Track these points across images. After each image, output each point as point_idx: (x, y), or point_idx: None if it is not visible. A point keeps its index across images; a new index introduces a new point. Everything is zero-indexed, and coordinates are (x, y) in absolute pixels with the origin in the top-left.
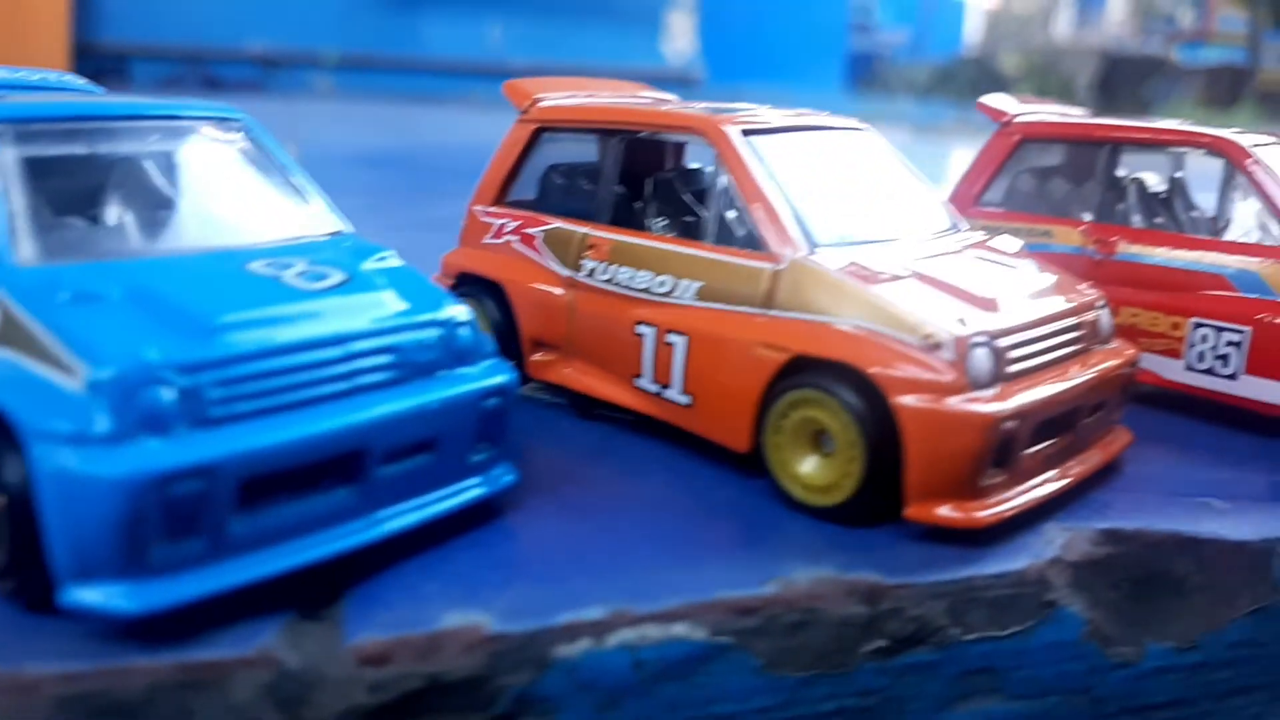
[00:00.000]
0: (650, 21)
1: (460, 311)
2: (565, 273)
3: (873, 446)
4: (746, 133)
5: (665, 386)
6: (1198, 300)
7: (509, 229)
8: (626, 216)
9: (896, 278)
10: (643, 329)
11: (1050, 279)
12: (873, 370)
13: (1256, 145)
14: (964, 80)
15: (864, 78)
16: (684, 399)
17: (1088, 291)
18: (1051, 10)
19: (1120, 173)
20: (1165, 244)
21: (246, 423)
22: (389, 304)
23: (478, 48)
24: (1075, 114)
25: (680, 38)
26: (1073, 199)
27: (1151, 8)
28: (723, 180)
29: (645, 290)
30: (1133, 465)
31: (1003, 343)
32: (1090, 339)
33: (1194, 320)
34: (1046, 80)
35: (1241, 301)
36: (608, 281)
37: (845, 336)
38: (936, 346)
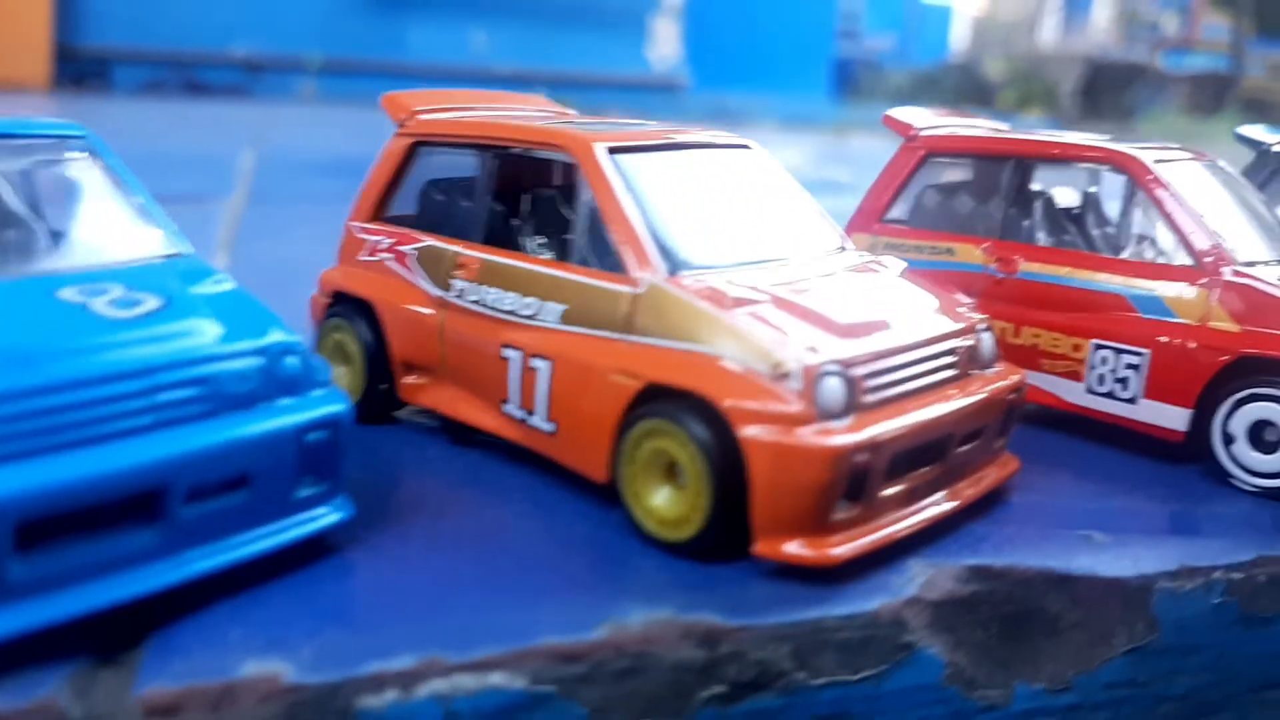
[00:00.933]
0: (635, 28)
1: (287, 338)
2: (436, 292)
3: (720, 479)
4: (614, 150)
5: (530, 413)
6: (1098, 321)
7: (383, 246)
8: (501, 235)
9: (755, 303)
10: (509, 352)
11: (927, 301)
12: (718, 399)
13: (1161, 160)
14: (948, 86)
15: (850, 84)
16: (548, 426)
17: (968, 314)
18: (1037, 17)
19: (1036, 188)
20: (1066, 263)
21: (25, 461)
22: (204, 332)
23: (462, 53)
24: (986, 127)
25: (665, 44)
26: (977, 216)
27: (1136, 15)
28: (588, 200)
29: (512, 312)
30: (1019, 495)
31: (858, 371)
32: (967, 364)
33: (1094, 342)
34: (1031, 87)
35: (1141, 323)
36: (476, 302)
37: (696, 364)
38: (784, 376)
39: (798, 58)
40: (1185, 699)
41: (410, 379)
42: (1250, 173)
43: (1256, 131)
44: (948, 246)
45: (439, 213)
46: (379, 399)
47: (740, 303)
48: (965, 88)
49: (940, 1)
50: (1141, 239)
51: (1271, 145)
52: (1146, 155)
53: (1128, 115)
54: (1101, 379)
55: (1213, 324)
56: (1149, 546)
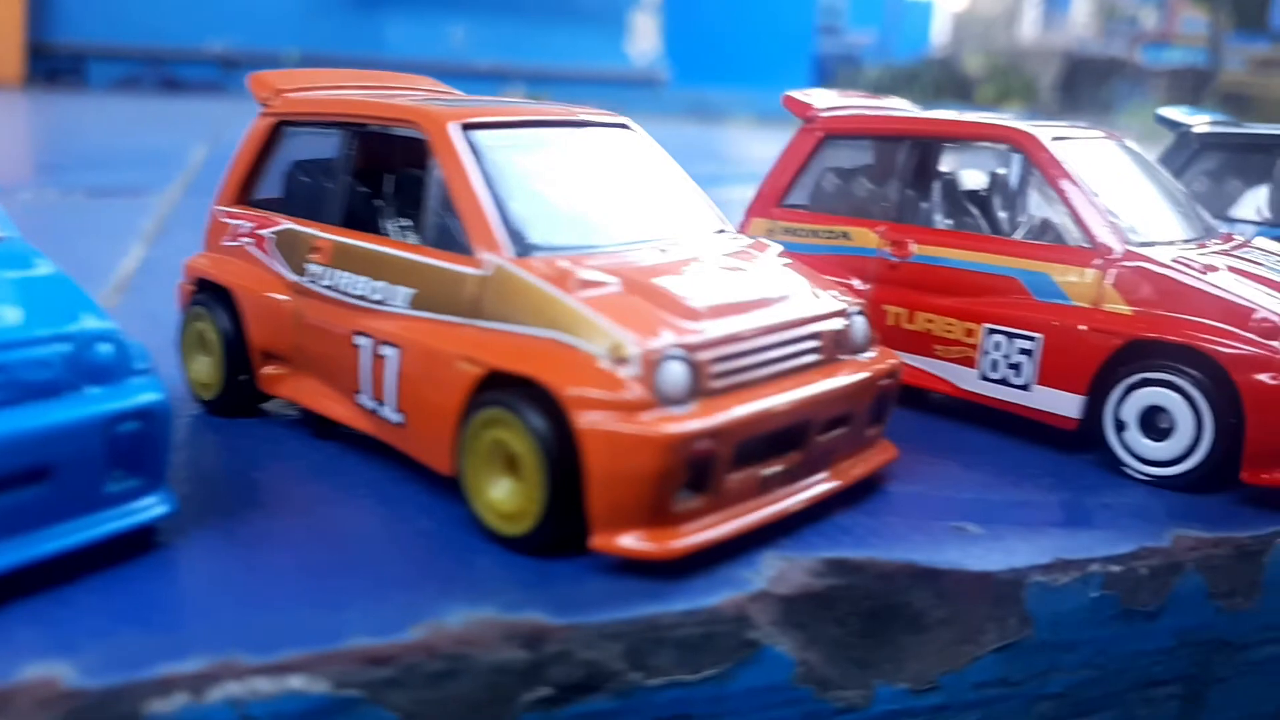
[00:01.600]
0: (614, 23)
1: (100, 325)
2: (292, 278)
3: (555, 470)
4: (469, 127)
5: (381, 404)
6: (991, 305)
7: (244, 231)
8: (361, 217)
9: (604, 285)
10: (360, 340)
11: (795, 285)
12: (555, 386)
13: (1059, 139)
14: (928, 81)
15: (832, 79)
16: (397, 417)
17: (838, 299)
18: (1016, 12)
19: (943, 169)
20: (959, 245)
21: None
22: (2, 318)
23: (440, 49)
24: (889, 108)
25: (644, 39)
26: (874, 199)
27: (1114, 10)
28: (438, 178)
29: (362, 297)
30: (896, 484)
31: (705, 355)
32: (833, 348)
33: (987, 326)
34: (1010, 81)
35: (1034, 306)
36: (329, 288)
37: (537, 350)
38: (623, 361)
39: (778, 52)
40: (1063, 697)
41: (269, 369)
42: (1170, 155)
43: (1177, 113)
44: (844, 230)
45: (300, 195)
46: (240, 390)
47: (587, 285)
48: (945, 83)
49: None
50: (1037, 219)
51: (1192, 126)
52: (1043, 133)
53: (1106, 109)
54: (994, 365)
55: (1106, 307)
56: (1025, 539)
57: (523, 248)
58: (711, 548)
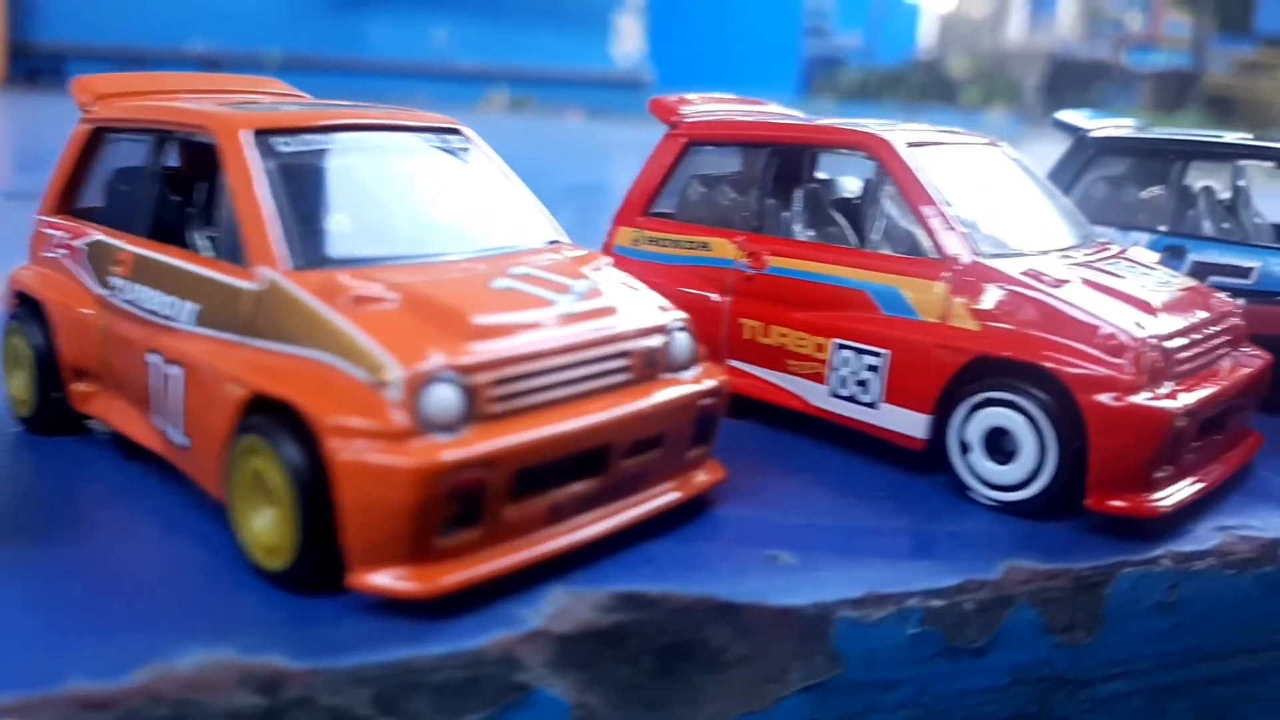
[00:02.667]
0: (599, 24)
1: None
2: (99, 291)
3: (308, 502)
4: (263, 133)
5: (169, 425)
6: (839, 319)
7: (60, 241)
8: (167, 228)
9: (381, 302)
10: (151, 358)
11: (609, 301)
12: (310, 411)
13: (916, 144)
14: (913, 84)
15: (819, 81)
16: (182, 440)
17: (658, 316)
18: (1002, 15)
19: (820, 175)
20: (812, 257)
21: None
22: None
23: (424, 50)
24: (755, 111)
25: (629, 41)
26: (736, 208)
27: (1099, 13)
28: (226, 187)
29: (154, 313)
30: (722, 508)
31: (482, 378)
32: (646, 367)
33: (836, 341)
34: (994, 84)
35: (882, 321)
36: (129, 302)
37: (300, 371)
38: (384, 384)
39: (765, 55)
40: None
41: (79, 386)
42: (1067, 160)
43: (1075, 117)
44: (704, 241)
45: (112, 204)
46: (53, 407)
47: (361, 302)
48: (930, 85)
49: None
50: (894, 230)
51: (1089, 131)
52: (897, 138)
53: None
54: (843, 381)
55: (953, 322)
56: (841, 569)
57: (307, 261)
58: (491, 583)
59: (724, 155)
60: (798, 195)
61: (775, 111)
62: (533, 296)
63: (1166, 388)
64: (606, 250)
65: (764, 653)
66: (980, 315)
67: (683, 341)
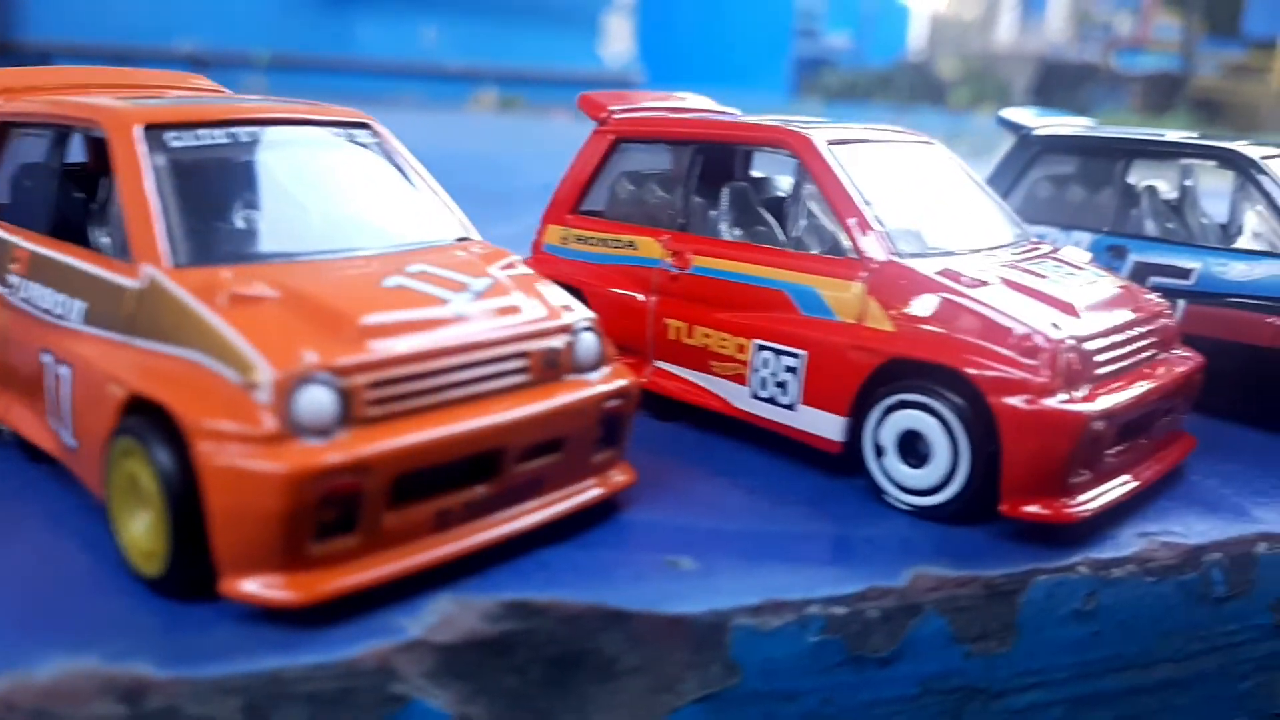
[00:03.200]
0: (587, 24)
1: None
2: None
3: (178, 506)
4: (154, 127)
5: (62, 426)
6: (760, 320)
7: None
8: (68, 225)
9: (261, 300)
10: (44, 358)
11: (510, 300)
12: (181, 414)
13: (837, 141)
14: (902, 85)
15: (808, 82)
16: (72, 442)
17: (562, 315)
18: (992, 16)
19: (757, 174)
20: (734, 257)
21: None
22: None
23: (412, 49)
24: (684, 109)
25: (618, 41)
26: (663, 207)
27: (1088, 15)
28: (117, 183)
29: (48, 311)
30: (635, 511)
31: (362, 379)
32: (546, 369)
33: (756, 342)
34: (983, 85)
35: (800, 322)
36: (25, 300)
37: (175, 372)
38: (254, 386)
39: (756, 55)
40: None
41: None
42: (1010, 159)
43: (1021, 114)
44: (630, 240)
45: (17, 201)
46: None
47: (240, 301)
48: (919, 86)
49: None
50: (817, 230)
51: (1033, 129)
52: (818, 135)
53: (1081, 114)
54: (764, 383)
55: (869, 323)
56: (742, 575)
57: (191, 258)
58: (372, 591)
59: (655, 153)
60: (724, 194)
61: (705, 108)
62: (425, 295)
63: (1083, 390)
64: (535, 249)
65: (657, 662)
66: (896, 316)
67: (589, 342)
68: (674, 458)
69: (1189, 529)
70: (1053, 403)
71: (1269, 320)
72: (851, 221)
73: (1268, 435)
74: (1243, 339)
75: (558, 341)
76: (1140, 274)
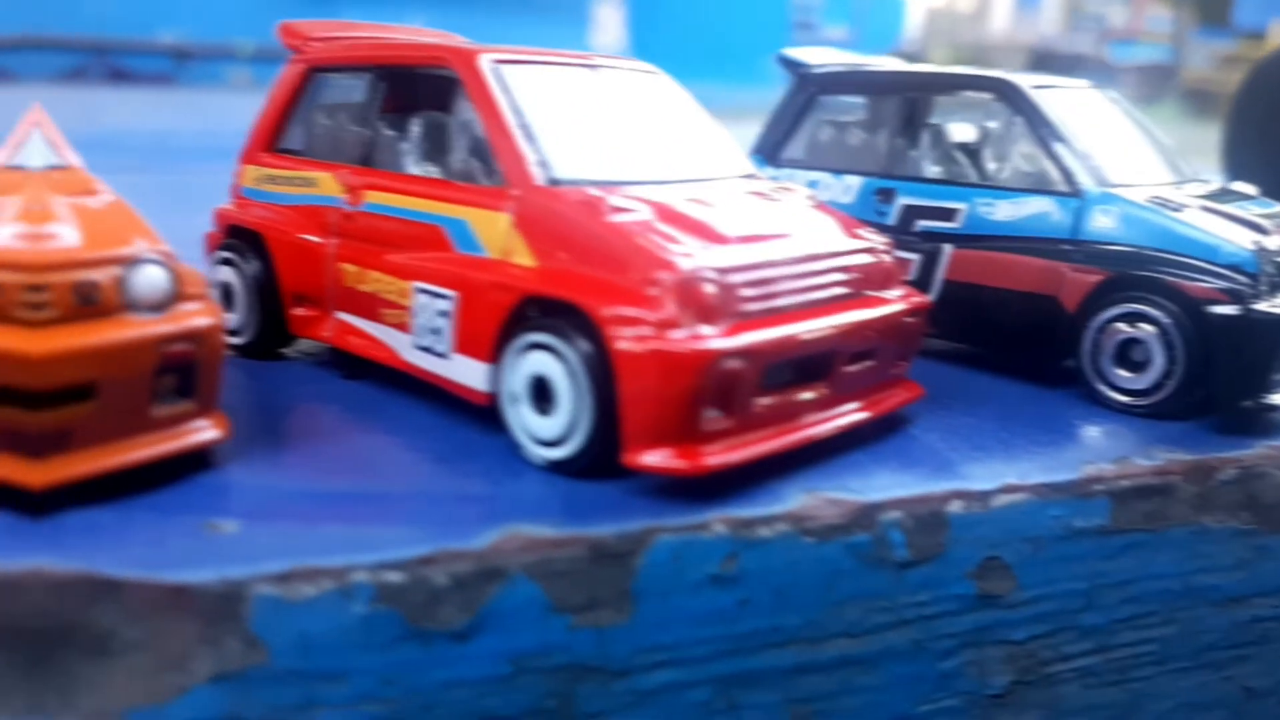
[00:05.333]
0: (577, 13)
1: None
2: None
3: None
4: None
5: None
6: (419, 261)
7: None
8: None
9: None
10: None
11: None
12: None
13: (504, 61)
14: None
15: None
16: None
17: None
18: (986, 8)
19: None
20: (397, 190)
21: None
22: None
23: None
24: (375, 35)
25: (609, 32)
26: (348, 140)
27: (1081, 6)
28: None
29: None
30: (214, 472)
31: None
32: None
33: (415, 285)
34: None
35: (453, 259)
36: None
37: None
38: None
39: (751, 47)
40: None
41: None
42: (789, 100)
43: (804, 53)
44: (311, 176)
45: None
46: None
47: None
48: None
49: None
50: (473, 157)
51: (813, 67)
52: (482, 54)
53: None
54: (421, 330)
55: (514, 258)
56: (286, 539)
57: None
58: None
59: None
60: (411, 124)
61: (404, 31)
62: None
63: (721, 327)
64: (234, 192)
65: (159, 637)
66: (538, 250)
67: (150, 276)
68: (318, 417)
69: (869, 485)
70: (673, 339)
71: (1025, 261)
72: (501, 145)
73: (1027, 386)
74: (1002, 284)
75: (101, 275)
76: (908, 218)
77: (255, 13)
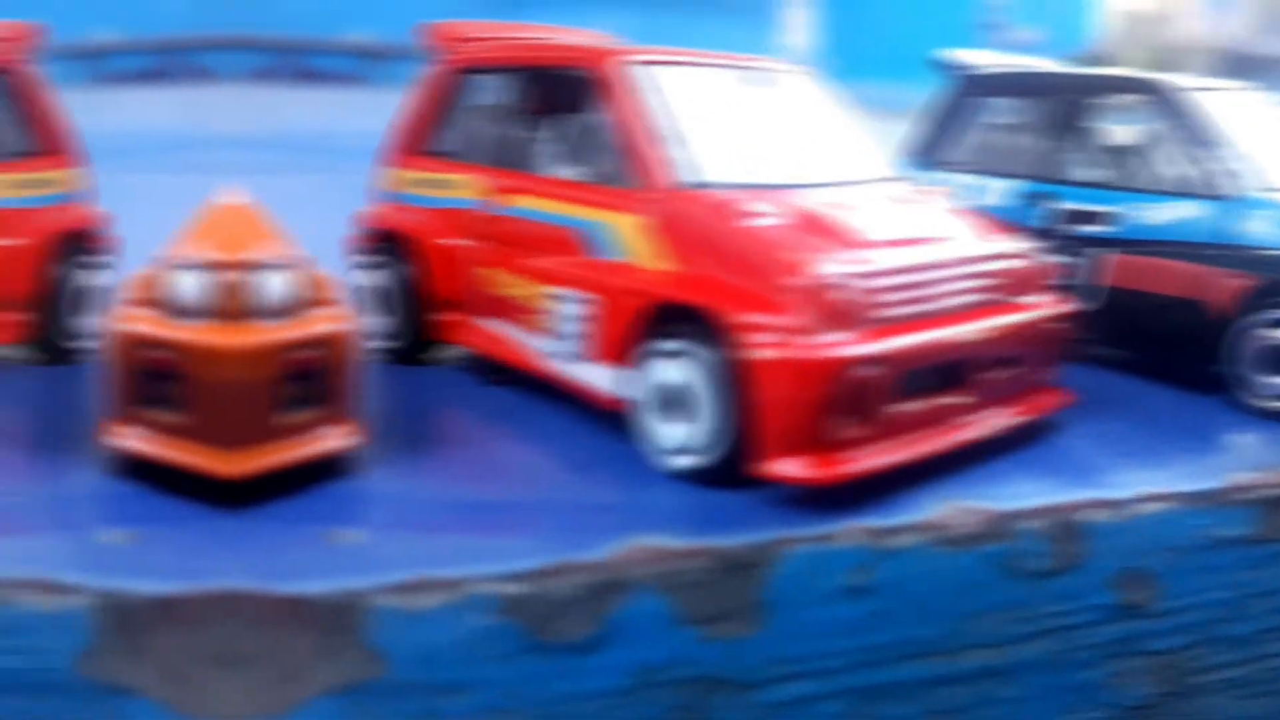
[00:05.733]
0: (764, 14)
1: None
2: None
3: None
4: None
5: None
6: (558, 264)
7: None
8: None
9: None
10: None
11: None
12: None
13: (637, 61)
14: None
15: None
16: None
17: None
18: (1182, 8)
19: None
20: (538, 193)
21: None
22: None
23: None
24: (541, 36)
25: (796, 33)
26: (494, 142)
27: (1275, 6)
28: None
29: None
30: (347, 481)
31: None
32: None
33: (551, 289)
34: None
35: (589, 264)
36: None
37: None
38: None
39: (943, 47)
40: None
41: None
42: (945, 101)
43: (960, 54)
44: (455, 179)
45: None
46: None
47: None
48: None
49: None
50: (614, 160)
51: (968, 69)
52: (623, 55)
53: None
54: (556, 334)
55: (648, 262)
56: (407, 550)
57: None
58: None
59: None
60: (552, 126)
61: (553, 31)
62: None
63: (856, 333)
64: (375, 197)
65: (277, 648)
66: (674, 255)
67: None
68: (454, 423)
69: (1009, 493)
70: (803, 345)
71: (1179, 266)
72: (638, 145)
73: (1184, 393)
74: (1156, 289)
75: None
76: (1061, 221)
77: (444, 14)
